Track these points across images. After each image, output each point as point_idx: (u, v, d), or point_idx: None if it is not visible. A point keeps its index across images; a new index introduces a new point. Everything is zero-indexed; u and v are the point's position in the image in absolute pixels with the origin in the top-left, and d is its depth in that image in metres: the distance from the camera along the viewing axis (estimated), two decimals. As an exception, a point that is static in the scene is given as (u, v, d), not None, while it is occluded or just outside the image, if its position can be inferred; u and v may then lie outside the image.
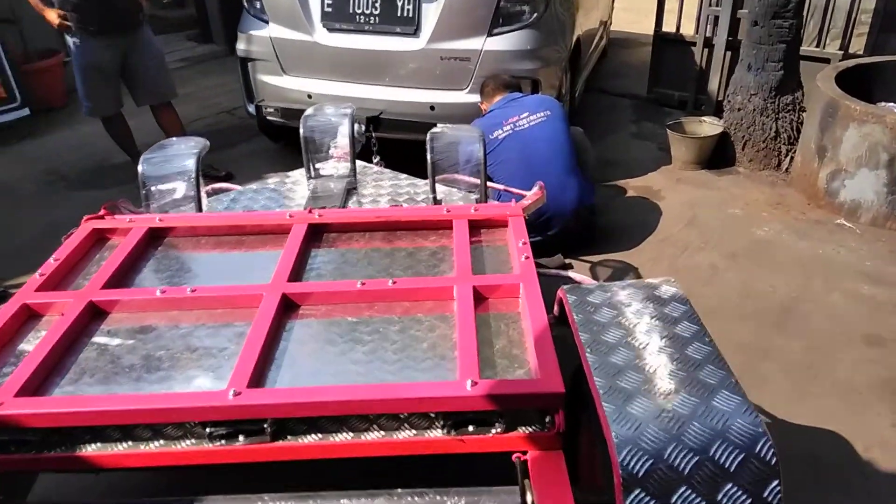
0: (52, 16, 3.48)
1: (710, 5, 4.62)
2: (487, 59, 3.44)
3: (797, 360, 2.56)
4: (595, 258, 3.21)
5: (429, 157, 2.32)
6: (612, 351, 1.33)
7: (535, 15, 3.45)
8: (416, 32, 3.46)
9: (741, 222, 3.53)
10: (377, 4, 3.47)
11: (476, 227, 2.11)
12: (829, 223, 3.49)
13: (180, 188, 2.31)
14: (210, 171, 4.07)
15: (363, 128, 3.45)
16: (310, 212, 2.15)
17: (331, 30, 3.57)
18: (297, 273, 1.87)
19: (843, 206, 3.50)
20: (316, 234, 2.11)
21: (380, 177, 2.80)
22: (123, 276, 1.87)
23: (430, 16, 3.42)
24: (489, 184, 3.05)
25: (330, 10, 3.54)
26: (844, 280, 3.03)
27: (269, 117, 3.77)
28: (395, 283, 1.78)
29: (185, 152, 2.34)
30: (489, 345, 1.57)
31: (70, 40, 3.59)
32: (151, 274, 1.92)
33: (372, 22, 3.50)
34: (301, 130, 2.55)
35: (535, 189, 2.76)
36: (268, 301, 1.70)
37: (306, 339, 1.63)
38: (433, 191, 2.40)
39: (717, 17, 4.58)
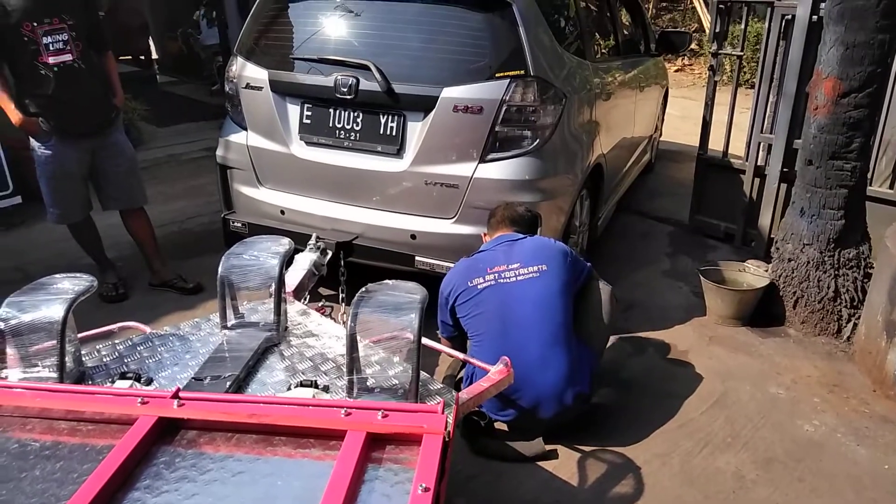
0: (16, 116, 3.13)
1: (760, 131, 4.03)
2: (478, 188, 2.94)
3: None
4: (588, 448, 2.54)
5: (349, 324, 1.79)
6: None
7: (538, 142, 2.95)
8: (399, 153, 3.02)
9: (785, 409, 2.79)
10: (359, 120, 3.06)
11: (379, 441, 1.55)
12: (900, 424, 2.71)
13: (45, 342, 1.89)
14: (178, 282, 3.70)
15: (326, 257, 3.01)
16: (174, 395, 1.64)
17: (308, 143, 3.18)
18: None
19: (921, 401, 2.72)
20: (168, 431, 1.59)
21: (316, 330, 2.32)
22: None
23: (416, 136, 2.97)
24: (453, 352, 2.50)
25: (309, 122, 3.16)
26: (919, 518, 2.25)
27: (236, 232, 3.37)
28: None
29: (55, 297, 1.93)
30: None
31: (36, 145, 3.25)
32: None
33: (352, 138, 3.09)
34: (220, 269, 2.15)
35: (500, 366, 2.19)
36: None
37: None
38: (350, 371, 1.87)
39: (769, 146, 3.97)
